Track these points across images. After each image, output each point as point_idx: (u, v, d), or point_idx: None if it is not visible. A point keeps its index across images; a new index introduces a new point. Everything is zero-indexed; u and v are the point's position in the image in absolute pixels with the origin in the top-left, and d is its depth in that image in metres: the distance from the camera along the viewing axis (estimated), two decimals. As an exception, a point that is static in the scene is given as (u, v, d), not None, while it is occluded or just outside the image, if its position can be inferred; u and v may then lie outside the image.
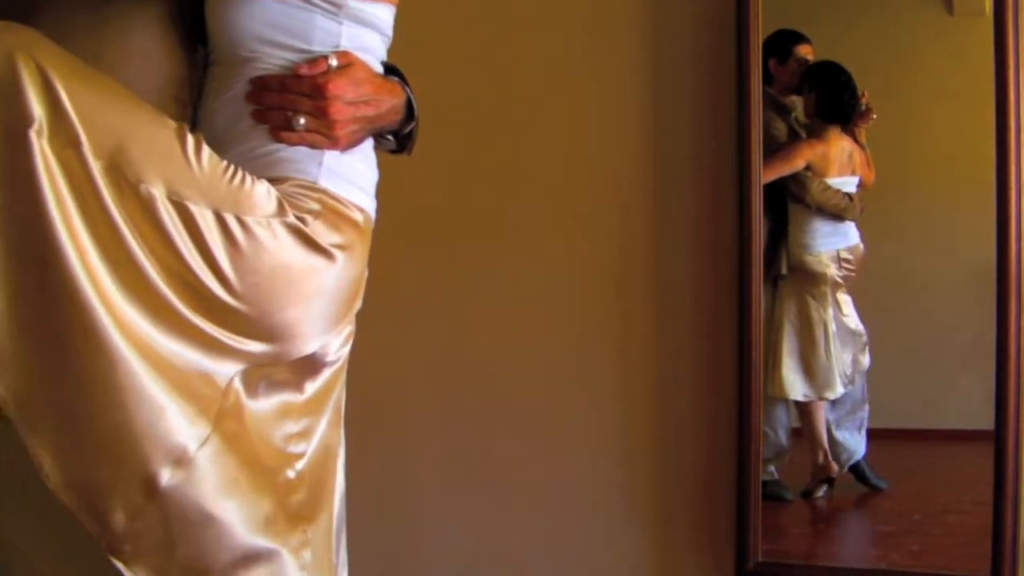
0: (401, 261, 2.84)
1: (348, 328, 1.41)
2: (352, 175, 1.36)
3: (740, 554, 2.44)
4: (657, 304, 2.59)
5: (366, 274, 1.44)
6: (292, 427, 1.29)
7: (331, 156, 1.31)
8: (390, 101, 1.38)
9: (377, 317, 2.90)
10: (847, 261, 2.53)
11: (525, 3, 2.73)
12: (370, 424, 2.90)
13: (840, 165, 2.45)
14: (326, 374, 1.35)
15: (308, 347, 1.27)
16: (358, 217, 1.35)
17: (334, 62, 1.29)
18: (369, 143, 1.43)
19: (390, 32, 1.41)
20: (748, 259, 2.41)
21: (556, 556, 2.71)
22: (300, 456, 1.29)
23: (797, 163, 2.43)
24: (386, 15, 1.38)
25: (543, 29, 2.70)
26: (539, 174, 2.71)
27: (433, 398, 2.83)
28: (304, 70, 1.27)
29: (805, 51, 2.44)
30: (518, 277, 2.73)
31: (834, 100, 2.40)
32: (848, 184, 2.47)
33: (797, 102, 2.54)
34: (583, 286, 2.67)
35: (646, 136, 2.59)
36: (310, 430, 1.31)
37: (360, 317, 2.88)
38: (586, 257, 2.66)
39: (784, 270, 2.49)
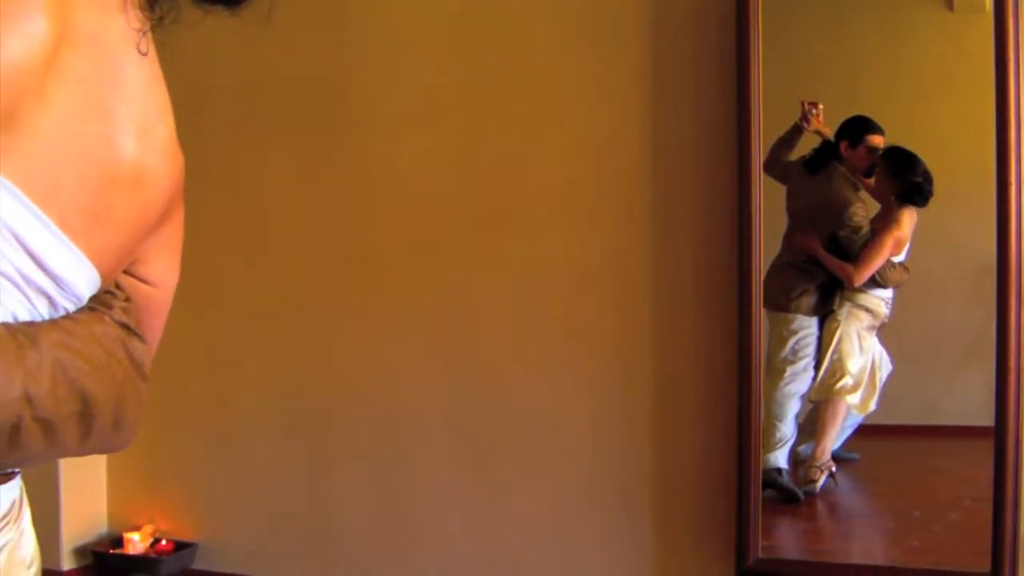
0: (402, 263, 2.84)
1: None
2: None
3: (740, 551, 2.44)
4: (657, 305, 2.59)
5: None
6: None
7: None
8: None
9: (378, 319, 2.92)
10: (887, 303, 2.60)
11: (527, 5, 2.72)
12: (371, 423, 2.91)
13: (906, 241, 2.55)
14: None
15: None
16: None
17: None
18: None
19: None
20: (748, 260, 2.41)
21: (557, 553, 2.72)
22: None
23: (886, 255, 2.54)
24: None
25: (544, 31, 2.69)
26: (540, 176, 2.71)
27: (433, 399, 2.83)
28: None
29: (876, 140, 2.53)
30: (519, 279, 2.72)
31: (916, 187, 2.49)
32: (903, 252, 2.56)
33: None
34: (584, 288, 2.66)
35: (646, 138, 2.59)
36: None
37: (360, 319, 2.89)
38: (587, 258, 2.66)
39: (836, 307, 2.59)
